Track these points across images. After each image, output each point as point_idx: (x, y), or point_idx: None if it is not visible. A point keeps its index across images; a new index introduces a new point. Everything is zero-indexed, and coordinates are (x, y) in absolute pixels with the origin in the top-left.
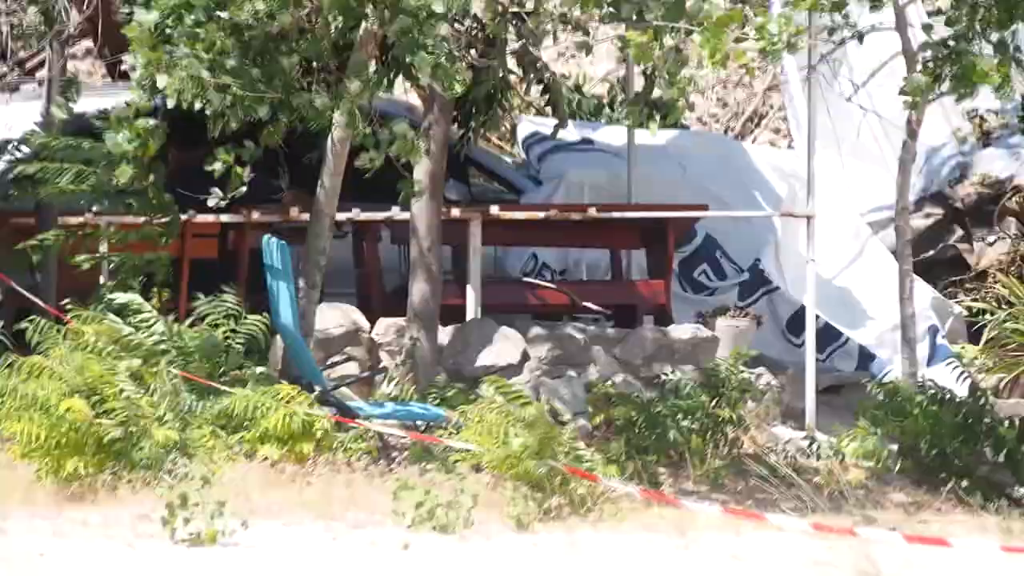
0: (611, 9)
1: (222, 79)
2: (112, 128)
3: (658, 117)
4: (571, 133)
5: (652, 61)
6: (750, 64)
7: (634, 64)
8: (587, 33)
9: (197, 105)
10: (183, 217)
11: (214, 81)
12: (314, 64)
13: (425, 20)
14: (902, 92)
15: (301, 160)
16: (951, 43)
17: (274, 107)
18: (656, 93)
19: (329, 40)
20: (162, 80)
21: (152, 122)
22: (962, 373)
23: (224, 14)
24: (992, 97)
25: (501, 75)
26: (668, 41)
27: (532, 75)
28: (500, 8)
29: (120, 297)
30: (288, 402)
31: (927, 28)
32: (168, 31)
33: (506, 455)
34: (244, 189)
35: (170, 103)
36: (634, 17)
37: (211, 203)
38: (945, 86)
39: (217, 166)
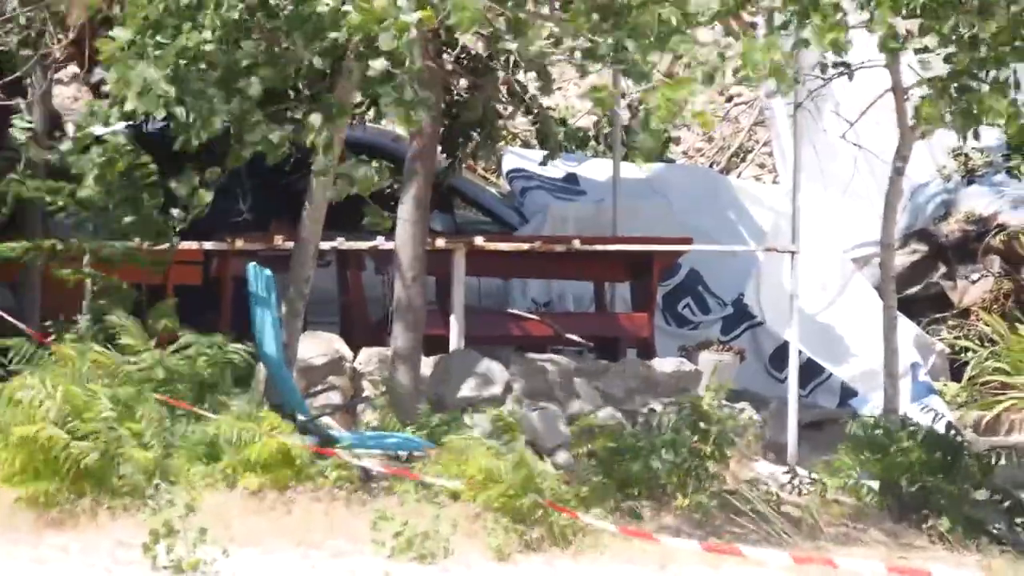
0: (591, 43)
1: (181, 94)
2: (79, 144)
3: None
4: (556, 168)
5: (612, 107)
6: (709, 122)
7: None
8: (546, 74)
9: (161, 114)
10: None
11: (174, 94)
12: (284, 92)
13: (398, 61)
14: (906, 125)
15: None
16: (947, 81)
17: (233, 129)
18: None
19: (300, 68)
20: (131, 99)
21: (122, 139)
22: (938, 415)
23: (187, 37)
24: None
25: (491, 105)
26: (656, 76)
27: (521, 106)
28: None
29: (108, 320)
30: (271, 431)
31: (922, 64)
32: (139, 51)
33: (494, 492)
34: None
35: (129, 105)
36: (611, 55)
37: (172, 224)
38: (948, 120)
39: (182, 188)
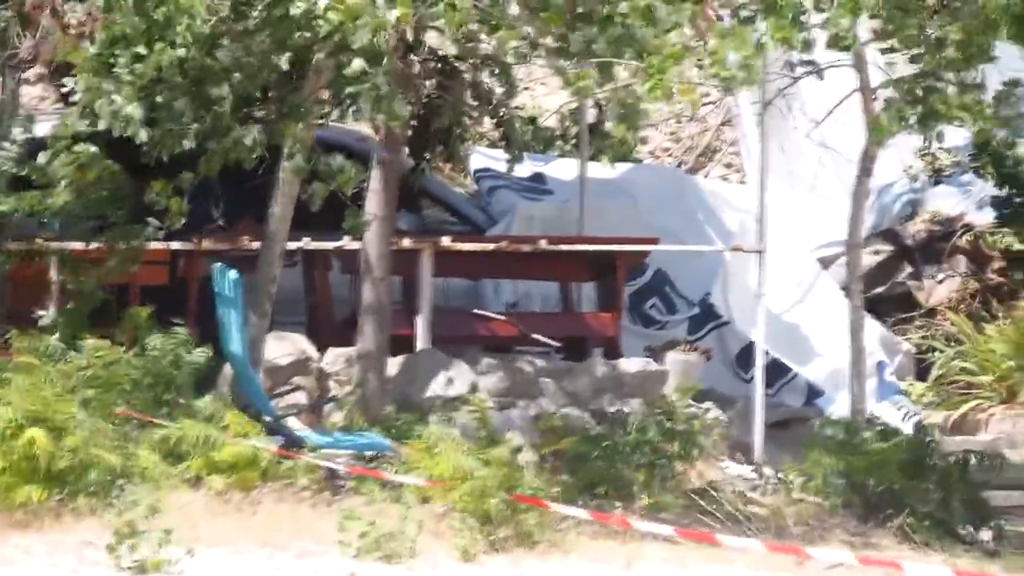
0: (561, 43)
1: (149, 113)
2: (51, 150)
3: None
4: (523, 168)
5: (590, 96)
6: (696, 99)
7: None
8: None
9: (129, 132)
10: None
11: (140, 112)
12: (254, 95)
13: (374, 59)
14: (865, 128)
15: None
16: (912, 81)
17: (205, 138)
18: (607, 127)
19: (271, 72)
20: (102, 120)
21: (91, 148)
22: (908, 412)
23: (160, 55)
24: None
25: (458, 107)
26: (622, 74)
27: (488, 107)
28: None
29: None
30: (236, 433)
31: (888, 65)
32: (111, 60)
33: (467, 490)
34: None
35: (102, 125)
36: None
37: (149, 232)
38: (911, 123)
39: (154, 196)
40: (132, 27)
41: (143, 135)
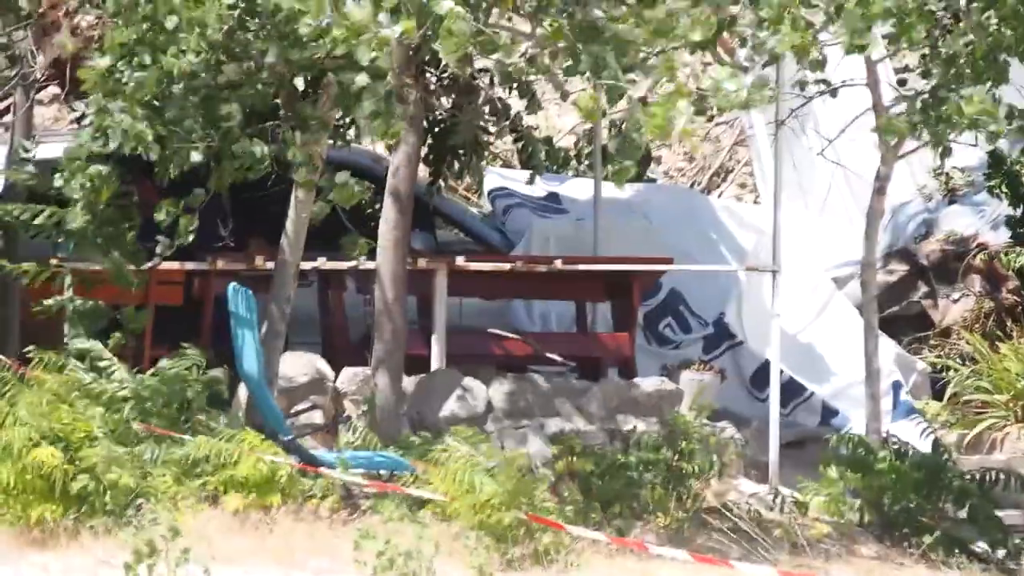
0: (570, 62)
1: (158, 129)
2: (65, 172)
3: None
4: (538, 187)
5: (597, 120)
6: (696, 143)
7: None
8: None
9: (140, 150)
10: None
11: (150, 132)
12: (263, 111)
13: (378, 76)
14: (878, 134)
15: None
16: (927, 95)
17: (213, 154)
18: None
19: (282, 87)
20: (114, 134)
21: (104, 169)
22: (925, 429)
23: (169, 62)
24: (958, 154)
25: (474, 124)
26: (635, 93)
27: (506, 124)
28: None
29: (81, 344)
30: (252, 450)
31: (901, 83)
32: (119, 76)
33: (474, 503)
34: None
35: (112, 145)
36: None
37: (159, 251)
38: (923, 135)
39: (162, 215)
40: (139, 34)
41: (154, 152)
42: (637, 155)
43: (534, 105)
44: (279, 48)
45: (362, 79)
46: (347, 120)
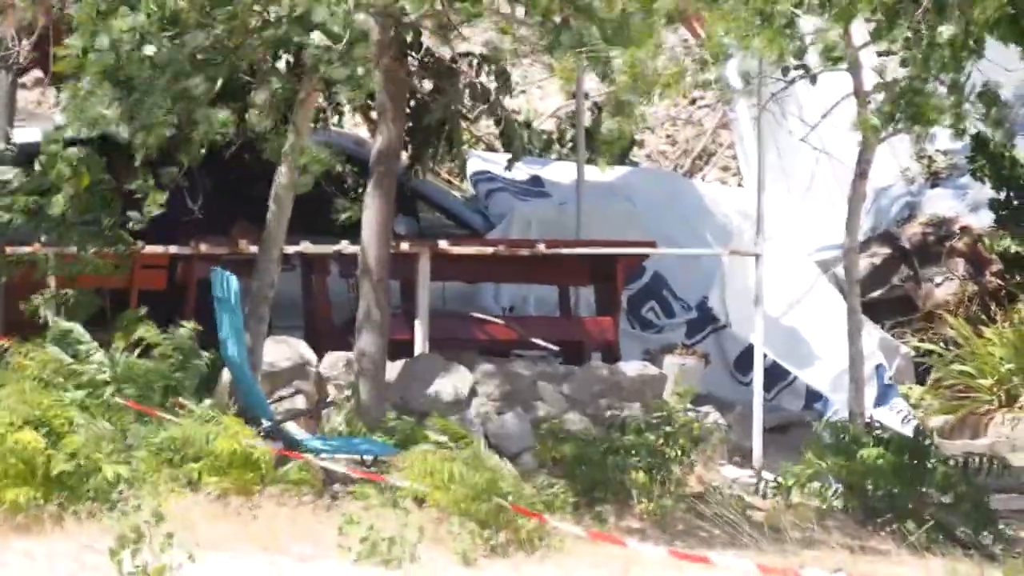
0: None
1: (125, 113)
2: (44, 157)
3: (608, 154)
4: (520, 171)
5: (574, 81)
6: (683, 89)
7: (582, 98)
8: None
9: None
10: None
11: (114, 112)
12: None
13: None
14: (854, 128)
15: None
16: (903, 84)
17: (181, 125)
18: (605, 126)
19: (253, 64)
20: (83, 117)
21: (80, 152)
22: (907, 415)
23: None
24: (941, 138)
25: (454, 107)
26: (616, 64)
27: (485, 108)
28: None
29: (63, 325)
30: (233, 434)
31: (880, 70)
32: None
33: (454, 495)
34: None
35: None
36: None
37: (129, 225)
38: (900, 126)
39: (137, 185)
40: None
41: (123, 133)
42: (633, 113)
43: (507, 87)
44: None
45: (316, 37)
46: (328, 102)
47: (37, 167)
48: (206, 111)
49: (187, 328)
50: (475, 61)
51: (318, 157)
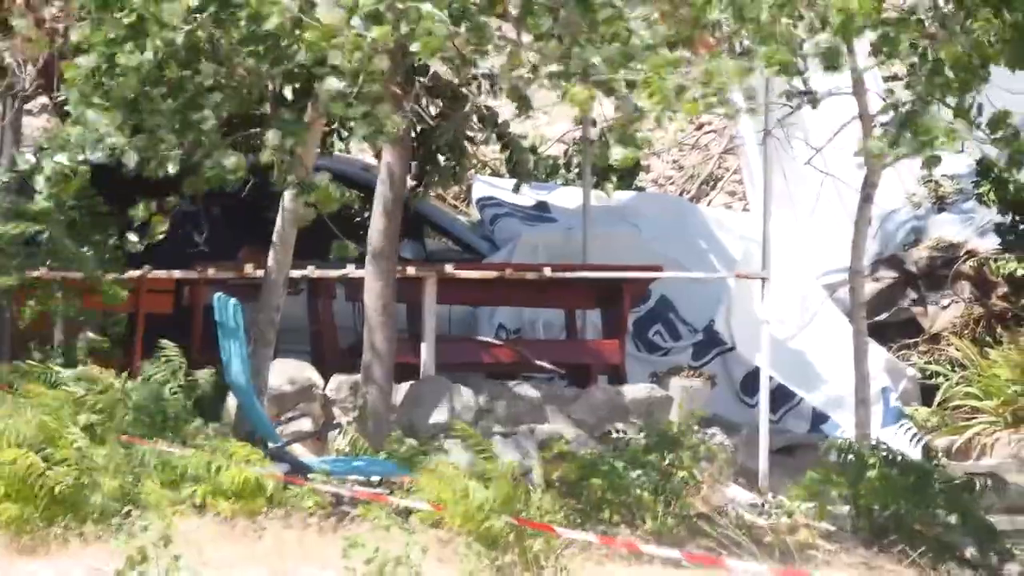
0: (557, 66)
1: (131, 138)
2: (43, 159)
3: (615, 179)
4: (526, 196)
5: (589, 111)
6: (698, 110)
7: (589, 124)
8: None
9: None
10: (138, 272)
11: (123, 142)
12: (242, 117)
13: (361, 79)
14: (858, 155)
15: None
16: (907, 107)
17: (188, 161)
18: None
19: (263, 93)
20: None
21: (68, 161)
22: (915, 435)
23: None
24: (947, 162)
25: (461, 131)
26: (622, 90)
27: (492, 131)
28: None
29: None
30: (241, 460)
31: (888, 93)
32: (102, 76)
33: (466, 510)
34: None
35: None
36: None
37: (128, 248)
38: (903, 150)
39: (138, 213)
40: (117, 33)
41: (131, 159)
42: (637, 144)
43: (525, 107)
44: (254, 50)
45: (332, 83)
46: (335, 128)
47: (23, 165)
48: (218, 156)
49: (207, 373)
50: (485, 84)
51: (327, 192)
